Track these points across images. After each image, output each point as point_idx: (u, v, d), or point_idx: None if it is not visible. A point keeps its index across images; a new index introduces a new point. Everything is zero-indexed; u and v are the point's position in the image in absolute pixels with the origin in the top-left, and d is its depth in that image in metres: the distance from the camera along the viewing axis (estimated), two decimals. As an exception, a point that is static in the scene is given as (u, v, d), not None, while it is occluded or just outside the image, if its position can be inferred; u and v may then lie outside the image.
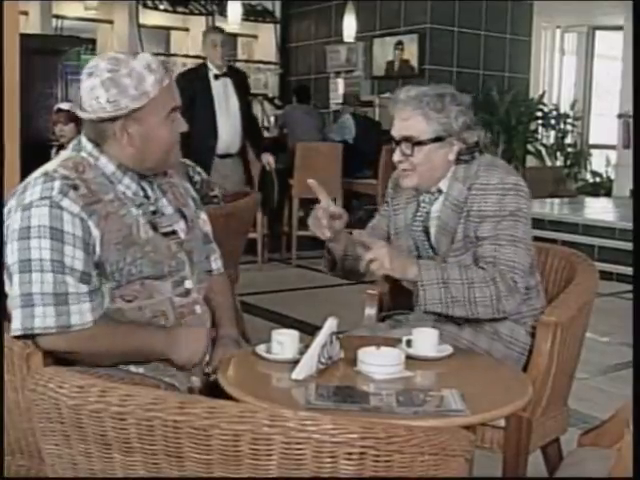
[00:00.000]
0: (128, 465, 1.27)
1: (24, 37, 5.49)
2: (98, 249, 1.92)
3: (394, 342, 2.10)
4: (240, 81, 5.96)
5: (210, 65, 5.74)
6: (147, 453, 1.24)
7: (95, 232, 1.91)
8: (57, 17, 9.18)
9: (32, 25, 8.70)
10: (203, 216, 2.32)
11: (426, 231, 2.46)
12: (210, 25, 5.67)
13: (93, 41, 9.68)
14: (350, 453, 1.16)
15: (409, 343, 2.09)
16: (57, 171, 1.95)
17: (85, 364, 1.93)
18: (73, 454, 1.33)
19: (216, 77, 5.74)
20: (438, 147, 2.37)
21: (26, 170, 5.38)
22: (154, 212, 2.07)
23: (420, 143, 2.35)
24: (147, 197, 2.08)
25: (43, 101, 7.06)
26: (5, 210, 1.95)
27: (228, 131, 5.76)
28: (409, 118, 2.36)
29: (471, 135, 2.39)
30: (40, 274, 1.86)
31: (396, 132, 2.40)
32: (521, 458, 2.33)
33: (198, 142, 5.11)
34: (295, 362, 1.89)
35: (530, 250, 2.38)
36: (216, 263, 2.34)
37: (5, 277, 1.94)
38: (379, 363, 1.91)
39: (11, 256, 1.89)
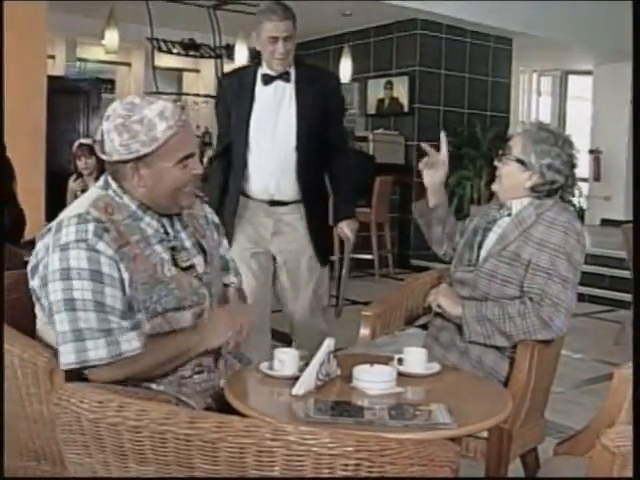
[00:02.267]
0: (143, 474, 1.27)
1: (51, 79, 5.55)
2: (127, 290, 1.88)
3: (387, 360, 2.10)
4: (318, 89, 3.28)
5: (263, 63, 3.29)
6: (160, 464, 1.24)
7: (125, 275, 1.87)
8: (80, 60, 9.25)
9: (58, 68, 8.76)
10: (225, 243, 2.29)
11: (484, 234, 2.57)
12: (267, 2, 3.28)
13: (112, 82, 9.75)
14: (346, 464, 1.16)
15: (400, 361, 2.09)
16: (90, 213, 1.89)
17: (137, 380, 1.92)
18: (93, 463, 1.33)
19: (266, 80, 3.28)
20: (518, 169, 2.50)
21: (50, 198, 5.40)
22: (173, 248, 2.01)
23: (508, 159, 2.53)
24: (167, 233, 2.02)
25: (67, 136, 7.09)
26: (40, 246, 1.92)
27: (267, 163, 3.27)
28: (517, 138, 2.55)
29: (552, 176, 2.47)
30: (84, 313, 1.82)
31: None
32: (502, 466, 2.32)
33: (226, 176, 3.39)
34: (295, 378, 1.89)
35: (575, 295, 2.41)
36: (229, 278, 2.28)
37: (38, 311, 1.95)
38: (373, 380, 1.91)
39: (54, 294, 1.84)
